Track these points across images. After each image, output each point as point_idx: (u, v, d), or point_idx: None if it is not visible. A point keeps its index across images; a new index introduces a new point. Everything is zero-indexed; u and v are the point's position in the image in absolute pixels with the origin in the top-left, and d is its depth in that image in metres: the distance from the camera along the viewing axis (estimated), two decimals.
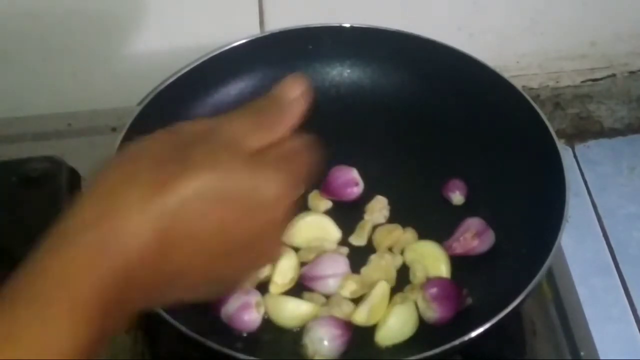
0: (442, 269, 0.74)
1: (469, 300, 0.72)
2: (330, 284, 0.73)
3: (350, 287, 0.73)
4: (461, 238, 0.75)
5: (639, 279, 0.84)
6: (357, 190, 0.80)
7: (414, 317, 0.71)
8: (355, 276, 0.74)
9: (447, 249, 0.75)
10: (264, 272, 0.74)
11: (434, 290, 0.71)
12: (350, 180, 0.80)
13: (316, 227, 0.78)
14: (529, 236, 0.73)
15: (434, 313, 0.70)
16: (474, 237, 0.75)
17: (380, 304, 0.71)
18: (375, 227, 0.78)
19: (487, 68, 0.82)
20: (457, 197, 0.80)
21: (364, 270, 0.74)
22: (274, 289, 0.73)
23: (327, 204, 0.80)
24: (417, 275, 0.74)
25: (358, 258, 0.75)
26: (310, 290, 0.74)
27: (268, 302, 0.72)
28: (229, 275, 0.52)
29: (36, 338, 0.42)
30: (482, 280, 0.73)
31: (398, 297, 0.72)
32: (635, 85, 1.03)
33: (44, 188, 0.80)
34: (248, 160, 0.48)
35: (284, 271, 0.74)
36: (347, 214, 0.79)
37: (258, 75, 0.86)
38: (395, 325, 0.70)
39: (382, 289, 0.72)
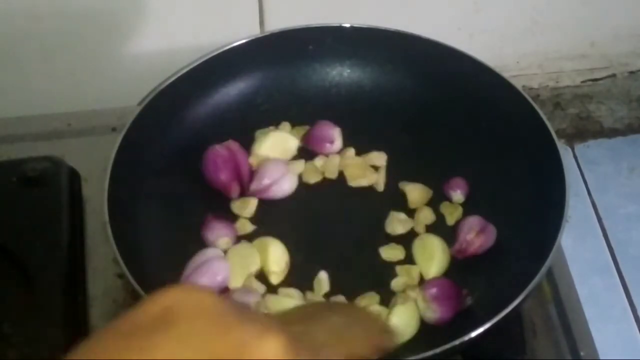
0: (436, 266, 0.74)
1: (469, 300, 0.72)
2: (282, 189, 0.79)
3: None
4: (467, 238, 0.75)
5: (639, 279, 0.84)
6: (330, 147, 0.82)
7: (415, 318, 0.71)
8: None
9: (456, 253, 0.75)
10: (255, 266, 0.74)
11: (433, 290, 0.71)
12: (327, 136, 0.82)
13: (278, 142, 0.82)
14: (529, 236, 0.73)
15: (434, 313, 0.70)
16: (477, 235, 0.75)
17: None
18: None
19: (487, 68, 0.82)
20: (457, 196, 0.80)
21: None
22: (274, 279, 0.74)
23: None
24: (413, 275, 0.74)
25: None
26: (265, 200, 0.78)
27: (268, 302, 0.72)
28: None
29: None
30: (482, 280, 0.73)
31: (399, 297, 0.72)
32: (635, 85, 1.03)
33: (44, 188, 0.80)
34: None
35: (277, 259, 0.75)
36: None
37: (258, 75, 0.87)
38: (397, 325, 0.70)
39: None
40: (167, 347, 0.35)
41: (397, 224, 0.77)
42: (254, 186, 0.79)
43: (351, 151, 0.83)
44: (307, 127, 0.84)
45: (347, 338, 0.52)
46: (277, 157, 0.82)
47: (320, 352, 0.48)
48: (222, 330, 0.36)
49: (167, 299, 0.37)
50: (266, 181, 0.79)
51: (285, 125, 0.85)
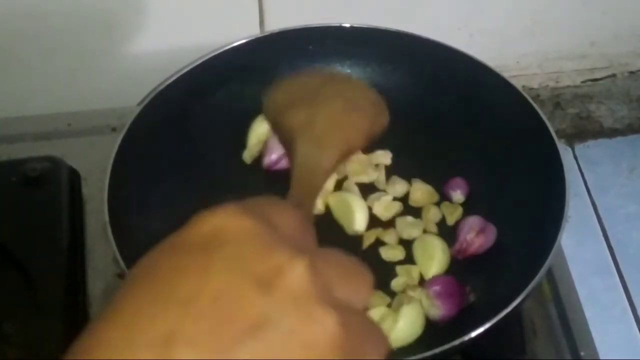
0: (436, 267, 0.74)
1: (472, 297, 0.71)
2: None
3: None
4: (467, 238, 0.74)
5: (639, 279, 0.84)
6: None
7: (421, 318, 0.71)
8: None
9: (456, 253, 0.75)
10: None
11: (437, 287, 0.71)
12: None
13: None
14: (529, 236, 0.73)
15: (438, 310, 0.70)
16: (477, 235, 0.75)
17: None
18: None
19: (487, 68, 0.82)
20: (457, 196, 0.80)
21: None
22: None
23: None
24: (413, 275, 0.74)
25: None
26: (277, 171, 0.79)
27: None
28: None
29: None
30: (482, 280, 0.73)
31: (403, 298, 0.72)
32: (635, 85, 1.03)
33: (44, 188, 0.80)
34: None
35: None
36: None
37: (258, 75, 0.86)
38: (404, 326, 0.70)
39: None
40: (218, 267, 0.38)
41: (410, 228, 0.77)
42: (265, 162, 0.81)
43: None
44: None
45: (346, 126, 0.55)
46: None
47: (318, 155, 0.52)
48: (262, 253, 0.39)
49: (215, 220, 0.40)
50: (274, 156, 0.81)
51: None
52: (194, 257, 0.38)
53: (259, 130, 0.83)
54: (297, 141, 0.53)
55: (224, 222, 0.40)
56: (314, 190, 0.50)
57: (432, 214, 0.78)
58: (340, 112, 0.56)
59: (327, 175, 0.52)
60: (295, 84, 0.60)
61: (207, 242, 0.39)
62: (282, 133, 0.55)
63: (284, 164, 0.80)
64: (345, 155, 0.54)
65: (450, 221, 0.78)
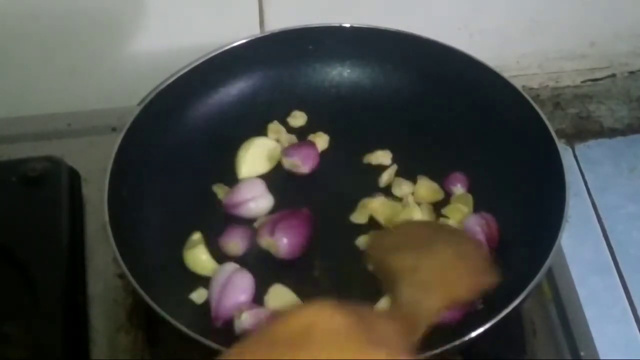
0: None
1: (480, 304, 0.71)
2: (251, 208, 0.77)
3: None
4: (487, 229, 0.74)
5: (639, 279, 0.84)
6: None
7: None
8: None
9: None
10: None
11: None
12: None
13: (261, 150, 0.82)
14: (529, 236, 0.73)
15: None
16: (489, 225, 0.74)
17: None
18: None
19: (487, 68, 0.82)
20: (458, 190, 0.80)
21: None
22: None
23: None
24: None
25: None
26: (235, 216, 0.77)
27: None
28: None
29: None
30: None
31: None
32: (635, 85, 1.03)
33: (44, 188, 0.80)
34: None
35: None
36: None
37: (258, 75, 0.87)
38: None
39: None
40: None
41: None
42: (225, 201, 0.78)
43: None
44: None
45: (451, 280, 0.54)
46: (262, 169, 0.82)
47: (423, 299, 0.51)
48: (353, 354, 0.38)
49: (307, 316, 0.39)
50: (235, 199, 0.78)
51: (275, 125, 0.85)
52: (280, 352, 0.37)
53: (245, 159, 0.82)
54: (401, 282, 0.52)
55: (314, 318, 0.39)
56: (417, 330, 0.49)
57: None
58: (448, 262, 0.55)
59: (429, 319, 0.51)
60: (405, 230, 0.59)
61: (295, 338, 0.38)
62: (385, 273, 0.55)
63: (241, 210, 0.77)
64: (449, 303, 0.53)
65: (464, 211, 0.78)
